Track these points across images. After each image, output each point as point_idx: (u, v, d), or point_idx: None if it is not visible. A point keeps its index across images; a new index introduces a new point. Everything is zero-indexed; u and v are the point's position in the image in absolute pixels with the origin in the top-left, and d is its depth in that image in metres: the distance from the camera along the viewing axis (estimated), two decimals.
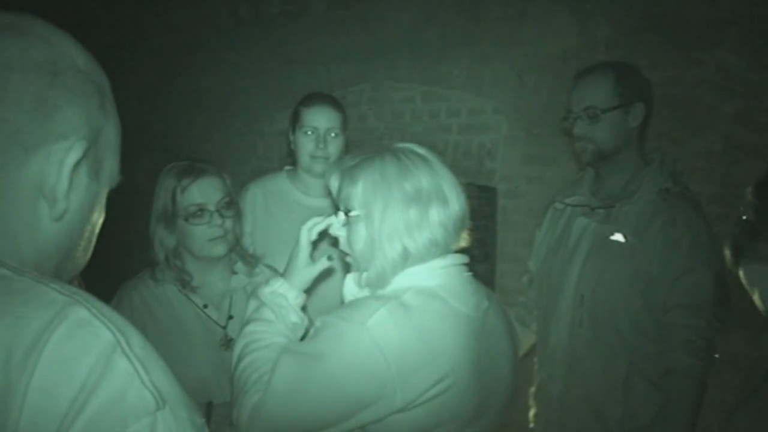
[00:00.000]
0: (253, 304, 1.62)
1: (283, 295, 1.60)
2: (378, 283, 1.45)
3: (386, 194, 1.41)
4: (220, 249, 2.01)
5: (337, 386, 1.33)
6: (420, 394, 1.34)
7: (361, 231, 1.46)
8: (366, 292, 1.49)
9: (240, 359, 1.49)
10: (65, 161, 0.81)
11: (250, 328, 1.55)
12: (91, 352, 0.70)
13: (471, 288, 1.50)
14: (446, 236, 1.44)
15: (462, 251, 1.52)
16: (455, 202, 1.45)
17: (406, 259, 1.43)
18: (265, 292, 1.61)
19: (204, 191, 1.98)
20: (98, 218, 0.91)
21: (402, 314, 1.36)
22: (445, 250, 1.46)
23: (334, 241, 1.57)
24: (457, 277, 1.49)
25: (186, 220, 1.97)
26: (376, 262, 1.44)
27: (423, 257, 1.43)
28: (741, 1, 3.08)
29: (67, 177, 0.81)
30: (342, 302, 1.56)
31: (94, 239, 0.92)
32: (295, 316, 1.59)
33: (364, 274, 1.48)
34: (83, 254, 0.91)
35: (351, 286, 1.54)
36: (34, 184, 0.80)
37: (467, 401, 1.41)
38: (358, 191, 1.44)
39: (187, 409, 0.74)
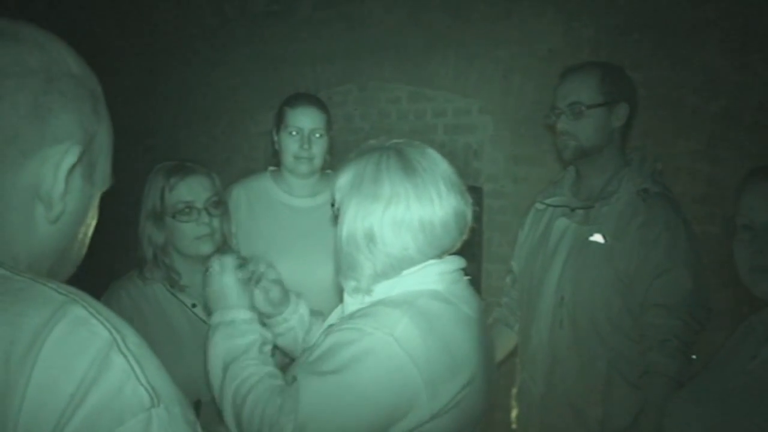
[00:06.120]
0: (211, 350, 1.54)
1: (230, 322, 1.55)
2: (361, 292, 1.43)
3: (354, 195, 1.39)
4: (207, 247, 2.03)
5: (371, 402, 1.30)
6: (447, 402, 1.33)
7: (336, 227, 1.44)
8: (365, 299, 1.44)
9: (242, 402, 1.40)
10: (61, 165, 0.82)
11: (229, 372, 1.47)
12: (89, 349, 0.71)
13: (471, 291, 1.50)
14: (402, 247, 1.37)
15: (454, 253, 1.49)
16: (419, 208, 1.36)
17: (376, 273, 1.40)
18: (212, 333, 1.55)
19: (192, 189, 2.01)
20: (92, 220, 0.93)
21: (424, 322, 1.33)
22: (410, 262, 1.40)
23: None
24: (460, 281, 1.48)
25: (174, 217, 1.99)
26: (349, 273, 1.42)
27: (387, 272, 1.40)
28: (725, 1, 3.10)
29: (63, 180, 0.82)
30: (343, 310, 1.52)
31: (88, 241, 0.94)
32: (251, 334, 1.53)
33: (345, 282, 1.45)
34: (77, 256, 0.93)
35: (348, 297, 1.49)
36: (30, 188, 0.81)
37: (481, 402, 1.42)
38: (339, 186, 1.44)
39: (180, 406, 0.76)
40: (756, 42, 3.02)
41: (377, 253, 1.38)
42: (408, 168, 1.38)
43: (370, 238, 1.37)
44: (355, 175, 1.40)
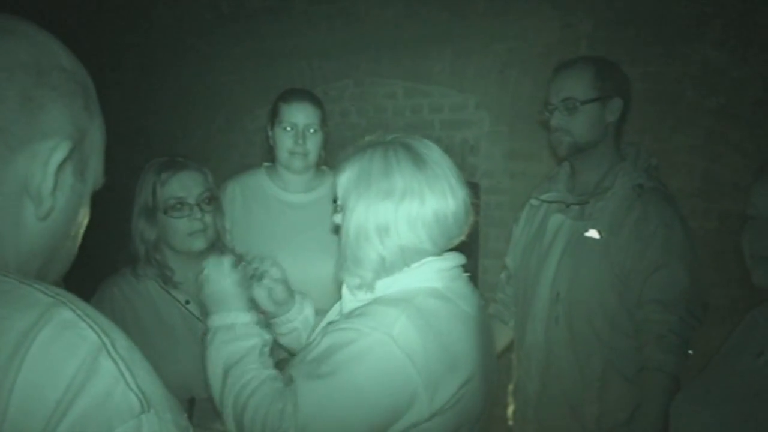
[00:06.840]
0: (211, 355, 1.51)
1: (230, 326, 1.52)
2: (364, 287, 1.41)
3: (363, 191, 1.37)
4: (199, 243, 2.02)
5: (370, 402, 1.30)
6: (446, 401, 1.32)
7: (342, 223, 1.43)
8: (366, 296, 1.43)
9: (243, 407, 1.38)
10: (50, 160, 0.80)
11: (230, 377, 1.45)
12: (77, 353, 0.69)
13: (471, 288, 1.49)
14: (417, 240, 1.37)
15: (452, 250, 1.48)
16: (433, 202, 1.36)
17: (384, 266, 1.39)
18: (211, 337, 1.52)
19: (184, 185, 2.00)
20: (83, 219, 0.91)
21: (421, 321, 1.32)
22: (424, 253, 1.40)
23: (336, 228, 1.51)
24: (459, 278, 1.47)
25: (166, 213, 1.98)
26: (353, 269, 1.41)
27: (396, 264, 1.39)
28: None
29: (52, 176, 0.81)
30: (341, 307, 1.51)
31: (80, 239, 0.92)
32: (252, 338, 1.51)
33: (348, 278, 1.44)
34: (68, 255, 0.91)
35: (347, 293, 1.48)
36: (19, 183, 0.79)
37: (480, 399, 1.41)
38: (342, 183, 1.42)
39: (171, 411, 0.74)
40: (754, 37, 3.02)
41: (390, 245, 1.37)
42: (419, 161, 1.38)
43: (385, 231, 1.36)
44: (361, 170, 1.39)
